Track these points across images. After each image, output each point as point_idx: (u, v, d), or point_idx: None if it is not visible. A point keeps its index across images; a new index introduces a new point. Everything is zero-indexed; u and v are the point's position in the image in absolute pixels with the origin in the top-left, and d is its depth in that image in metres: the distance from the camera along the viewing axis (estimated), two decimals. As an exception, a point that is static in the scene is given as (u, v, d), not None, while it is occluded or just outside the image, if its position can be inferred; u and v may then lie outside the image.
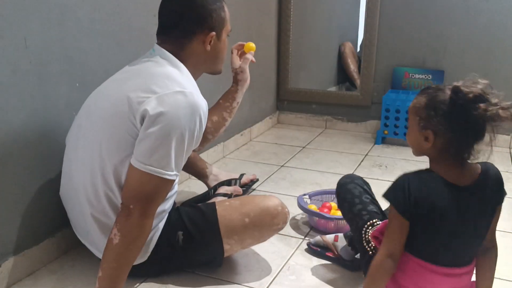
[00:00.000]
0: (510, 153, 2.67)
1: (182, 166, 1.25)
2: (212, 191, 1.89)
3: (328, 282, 1.42)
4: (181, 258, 1.38)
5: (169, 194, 1.34)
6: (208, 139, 1.64)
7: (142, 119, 1.17)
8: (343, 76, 3.58)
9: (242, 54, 1.63)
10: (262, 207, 1.40)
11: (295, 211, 1.82)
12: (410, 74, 2.85)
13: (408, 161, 2.44)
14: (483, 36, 2.68)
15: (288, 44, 3.08)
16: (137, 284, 1.38)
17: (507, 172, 2.36)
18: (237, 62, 1.61)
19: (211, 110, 1.62)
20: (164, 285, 1.39)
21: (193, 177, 2.01)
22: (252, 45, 1.63)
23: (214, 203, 1.42)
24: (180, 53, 1.31)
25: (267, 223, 1.39)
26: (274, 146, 2.75)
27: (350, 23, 3.67)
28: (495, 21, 2.64)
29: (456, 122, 1.03)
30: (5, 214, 1.34)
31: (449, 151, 1.07)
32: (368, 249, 1.30)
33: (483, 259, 1.17)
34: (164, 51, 1.30)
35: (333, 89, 3.55)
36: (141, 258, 1.33)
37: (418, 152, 1.14)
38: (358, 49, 3.57)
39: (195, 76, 1.35)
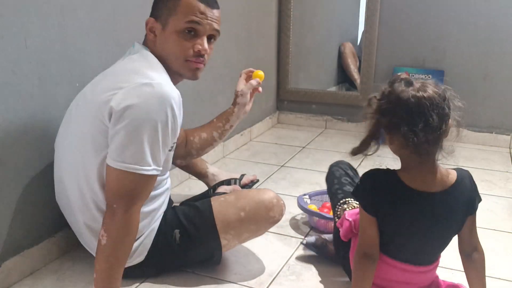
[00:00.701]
0: (510, 153, 2.67)
1: (162, 160, 1.21)
2: (211, 191, 1.89)
3: (328, 282, 1.42)
4: (179, 256, 1.38)
5: (159, 191, 1.33)
6: (192, 154, 1.64)
7: (110, 116, 1.15)
8: (343, 76, 3.58)
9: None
10: (257, 200, 1.40)
11: (295, 211, 1.82)
12: (410, 74, 2.84)
13: (408, 161, 2.44)
14: (483, 36, 2.68)
15: (288, 44, 3.08)
16: (137, 284, 1.38)
17: (507, 172, 2.36)
18: (241, 85, 1.58)
19: (202, 127, 1.62)
20: (164, 285, 1.39)
21: (193, 177, 2.02)
22: (260, 73, 1.60)
23: (209, 199, 1.42)
24: (146, 45, 1.31)
25: (263, 216, 1.39)
26: (274, 146, 2.75)
27: (350, 23, 3.66)
28: (495, 21, 2.64)
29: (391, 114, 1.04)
30: (5, 214, 1.34)
31: (408, 148, 1.04)
32: (339, 224, 1.35)
33: (468, 264, 1.18)
34: (139, 45, 1.30)
35: (333, 89, 3.54)
36: (137, 258, 1.33)
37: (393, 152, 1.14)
38: (358, 49, 3.56)
39: (167, 70, 1.29)
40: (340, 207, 1.42)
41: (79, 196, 1.26)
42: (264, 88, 3.03)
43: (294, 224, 1.78)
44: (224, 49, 2.43)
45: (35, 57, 1.36)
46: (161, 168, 1.21)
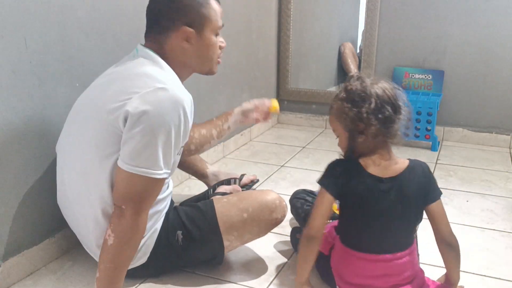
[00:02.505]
0: (510, 153, 2.67)
1: (172, 163, 1.22)
2: (211, 191, 1.89)
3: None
4: (181, 257, 1.38)
5: (164, 194, 1.34)
6: (191, 150, 1.64)
7: (125, 120, 1.15)
8: (343, 76, 3.58)
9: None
10: (260, 201, 1.40)
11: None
12: (410, 74, 2.85)
13: (408, 161, 2.44)
14: (483, 36, 2.68)
15: (288, 44, 3.08)
16: (137, 284, 1.38)
17: (507, 172, 2.36)
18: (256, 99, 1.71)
19: (203, 124, 1.66)
20: (164, 285, 1.39)
21: (193, 177, 2.02)
22: (275, 104, 1.71)
23: (212, 200, 1.42)
24: (160, 51, 1.28)
25: (265, 218, 1.40)
26: (274, 146, 2.75)
27: (350, 23, 3.66)
28: (495, 21, 2.64)
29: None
30: (5, 214, 1.34)
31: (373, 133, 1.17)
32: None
33: (444, 252, 1.22)
34: (146, 50, 1.28)
35: (333, 89, 3.54)
36: (140, 260, 1.33)
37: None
38: (358, 50, 3.57)
39: (183, 74, 1.32)
40: None
41: (85, 199, 1.25)
42: (264, 88, 3.04)
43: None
44: (224, 49, 2.43)
45: (35, 57, 1.36)
46: (170, 171, 1.22)
